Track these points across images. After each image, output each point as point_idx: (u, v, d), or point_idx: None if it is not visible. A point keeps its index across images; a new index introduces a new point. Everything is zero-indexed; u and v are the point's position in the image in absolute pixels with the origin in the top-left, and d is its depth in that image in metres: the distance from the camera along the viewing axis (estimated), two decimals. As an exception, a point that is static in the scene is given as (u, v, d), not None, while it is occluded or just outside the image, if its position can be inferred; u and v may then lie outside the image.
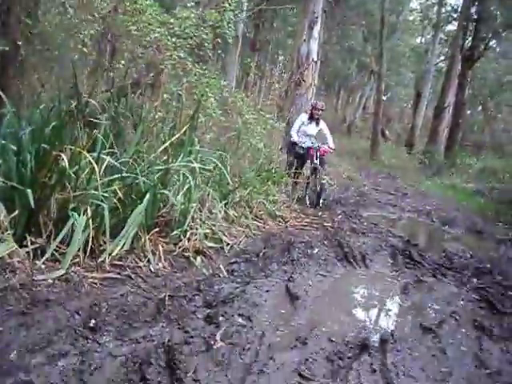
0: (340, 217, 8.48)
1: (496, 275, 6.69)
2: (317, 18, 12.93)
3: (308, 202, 9.25)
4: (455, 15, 24.52)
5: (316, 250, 6.25)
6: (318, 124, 9.57)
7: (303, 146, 9.41)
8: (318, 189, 9.17)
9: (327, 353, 3.66)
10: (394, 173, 17.96)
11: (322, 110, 9.56)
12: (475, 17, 20.88)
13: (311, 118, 9.51)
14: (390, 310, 5.08)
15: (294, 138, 9.38)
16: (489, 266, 7.11)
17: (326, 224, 7.57)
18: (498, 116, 31.10)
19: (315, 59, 13.06)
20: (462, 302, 5.43)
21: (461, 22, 21.95)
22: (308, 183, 9.55)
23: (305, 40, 12.91)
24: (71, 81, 5.81)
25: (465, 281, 6.21)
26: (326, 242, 6.66)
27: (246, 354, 3.45)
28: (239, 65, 19.98)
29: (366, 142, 24.47)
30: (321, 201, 9.18)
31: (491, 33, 20.47)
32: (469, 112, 29.01)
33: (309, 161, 9.53)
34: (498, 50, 26.34)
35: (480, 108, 32.44)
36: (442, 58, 30.20)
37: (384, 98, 28.52)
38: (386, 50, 22.33)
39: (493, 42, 22.45)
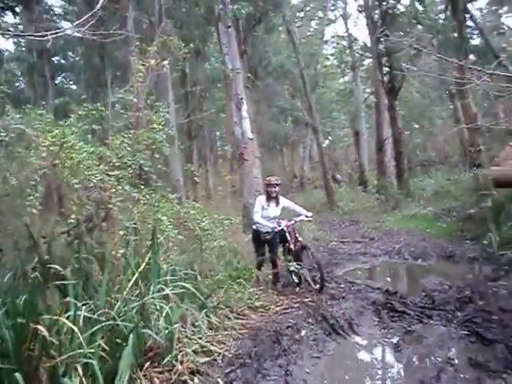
0: (317, 286, 8.63)
1: (477, 301, 6.97)
2: (241, 98, 13.43)
3: (312, 284, 8.37)
4: (368, 54, 25.74)
5: (303, 332, 6.36)
6: (278, 203, 8.58)
7: (268, 229, 8.35)
8: (316, 266, 8.34)
9: None
10: (355, 217, 18.36)
11: (278, 185, 8.51)
12: (385, 51, 21.89)
13: (269, 198, 8.50)
14: (388, 376, 5.22)
15: (262, 222, 8.37)
16: (468, 292, 7.39)
17: (305, 300, 7.69)
18: (435, 131, 32.22)
19: (251, 137, 13.47)
20: (453, 343, 5.63)
21: (374, 59, 23.06)
22: (289, 269, 8.47)
23: (236, 122, 13.35)
24: (27, 240, 5.97)
25: (450, 317, 6.45)
26: (310, 320, 6.75)
27: None
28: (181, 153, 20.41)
29: (321, 192, 24.90)
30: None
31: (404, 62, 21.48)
32: (407, 133, 29.97)
33: (287, 244, 8.63)
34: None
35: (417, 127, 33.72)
36: (367, 94, 31.37)
37: (325, 144, 29.32)
38: (313, 101, 23.12)
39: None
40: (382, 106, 22.84)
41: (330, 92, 33.39)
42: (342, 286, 8.59)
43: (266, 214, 8.49)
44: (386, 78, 21.97)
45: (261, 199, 8.61)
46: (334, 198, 21.70)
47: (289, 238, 8.60)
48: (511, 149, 7.88)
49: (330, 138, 39.05)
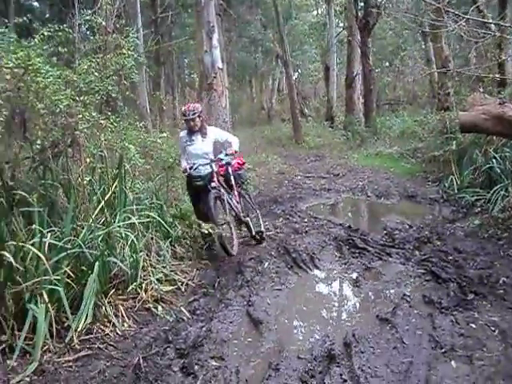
0: (281, 219, 8.77)
1: (435, 241, 7.19)
2: (213, 26, 13.06)
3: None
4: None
5: (266, 263, 6.51)
6: (204, 135, 6.87)
7: (200, 173, 6.73)
8: (244, 217, 7.32)
9: (299, 373, 3.92)
10: (321, 153, 18.43)
11: (199, 116, 6.75)
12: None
13: (190, 131, 6.85)
14: (346, 310, 5.43)
15: (182, 164, 6.95)
16: (427, 233, 7.60)
17: (269, 233, 7.82)
18: (405, 71, 32.12)
19: (220, 66, 13.22)
20: (410, 281, 5.84)
21: (350, -7, 22.59)
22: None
23: (206, 51, 13.05)
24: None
25: (409, 256, 6.66)
26: (273, 253, 6.92)
27: (227, 396, 3.68)
28: (148, 79, 19.98)
29: (288, 126, 24.84)
30: (260, 230, 7.48)
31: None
32: (378, 71, 29.84)
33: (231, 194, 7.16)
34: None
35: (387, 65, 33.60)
36: (341, 29, 30.86)
37: (294, 76, 29.07)
38: (285, 33, 22.72)
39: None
40: (355, 41, 22.55)
41: (302, 24, 32.68)
42: (305, 220, 8.74)
43: (191, 151, 6.87)
44: (360, 14, 21.59)
45: (181, 135, 7.05)
46: (300, 133, 21.66)
47: (233, 181, 7.21)
48: (479, 95, 7.93)
49: (299, 71, 38.69)
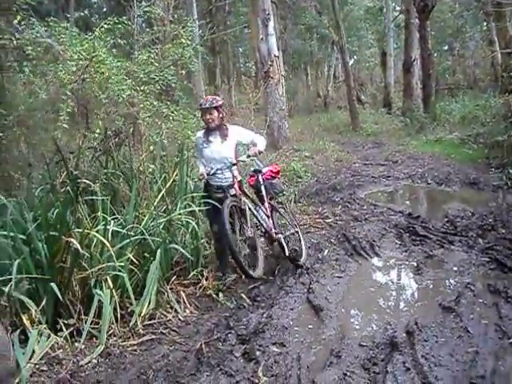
0: (339, 207, 8.70)
1: (499, 229, 6.97)
2: (268, 14, 13.09)
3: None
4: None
5: (325, 251, 6.50)
6: (225, 135, 5.63)
7: (221, 183, 5.63)
8: (276, 233, 5.90)
9: (361, 360, 3.90)
10: (379, 140, 18.13)
11: (217, 108, 5.53)
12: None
13: (208, 130, 5.65)
14: (408, 298, 5.34)
15: (200, 169, 5.74)
16: (491, 220, 7.37)
17: (328, 220, 7.79)
18: (466, 54, 31.23)
19: (277, 54, 13.23)
20: (473, 269, 5.69)
21: (408, -25, 22.03)
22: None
23: (262, 38, 13.07)
24: (56, 155, 6.07)
25: (472, 244, 6.48)
26: (332, 240, 6.90)
27: (289, 382, 3.69)
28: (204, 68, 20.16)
29: (344, 113, 24.61)
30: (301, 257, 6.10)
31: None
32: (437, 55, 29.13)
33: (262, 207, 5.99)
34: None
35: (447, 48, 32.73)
36: (398, 13, 30.22)
37: (350, 63, 28.69)
38: (341, 19, 22.42)
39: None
40: (413, 25, 22.02)
41: (358, 9, 32.17)
42: (364, 208, 8.65)
43: (208, 155, 5.67)
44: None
45: (198, 135, 5.87)
46: (357, 120, 21.38)
47: (264, 192, 6.00)
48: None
49: (355, 57, 38.12)
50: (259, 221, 5.92)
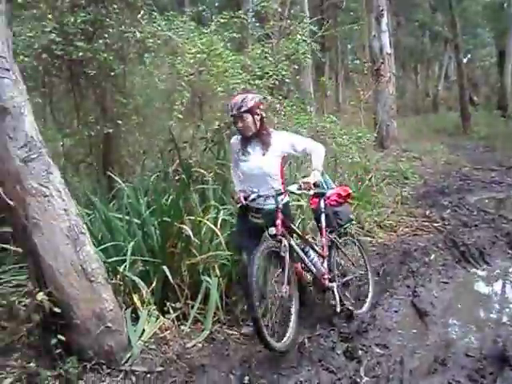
0: (448, 211, 8.42)
1: None
2: (382, 11, 12.87)
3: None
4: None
5: (432, 255, 6.32)
6: (267, 145, 4.24)
7: (262, 206, 4.26)
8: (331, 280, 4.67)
9: (468, 371, 3.76)
10: (491, 144, 17.28)
11: (252, 112, 4.13)
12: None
13: (245, 138, 4.30)
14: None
15: (237, 188, 4.51)
16: None
17: (435, 224, 7.58)
18: None
19: (389, 52, 12.99)
20: None
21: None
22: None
23: (374, 35, 12.87)
24: (169, 144, 6.33)
25: None
26: (440, 245, 6.71)
27: (392, 385, 3.64)
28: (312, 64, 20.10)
29: (454, 114, 23.74)
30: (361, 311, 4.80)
31: None
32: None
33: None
34: None
35: None
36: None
37: (464, 61, 27.56)
38: (457, 14, 21.58)
39: None
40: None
41: (476, 5, 30.80)
42: (474, 213, 8.35)
43: (245, 171, 4.36)
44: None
45: (233, 141, 4.53)
46: (469, 122, 20.56)
47: (323, 222, 4.74)
48: None
49: (469, 56, 36.64)
50: (306, 265, 4.54)
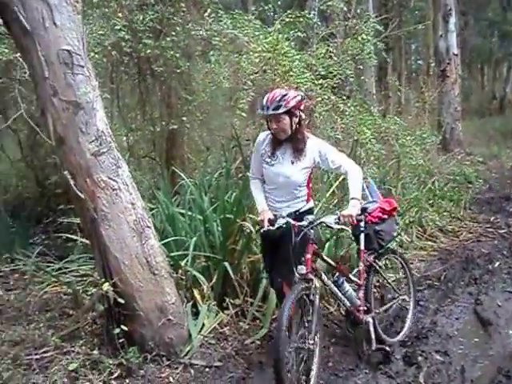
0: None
1: None
2: (450, 9, 12.57)
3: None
4: None
5: (497, 263, 6.14)
6: (299, 153, 3.66)
7: (283, 221, 3.59)
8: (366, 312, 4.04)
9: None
10: None
11: (290, 113, 3.52)
12: None
13: (276, 142, 3.71)
14: None
15: (258, 203, 3.92)
16: None
17: (500, 231, 7.36)
18: None
19: (455, 52, 12.68)
20: None
21: None
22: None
23: (441, 35, 12.60)
24: (232, 141, 6.40)
25: None
26: (505, 252, 6.51)
27: (452, 394, 3.57)
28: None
29: (524, 118, 22.95)
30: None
31: None
32: None
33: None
34: None
35: None
36: None
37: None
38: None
39: None
40: None
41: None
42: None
43: (270, 175, 3.82)
44: None
45: (260, 138, 3.91)
46: (540, 126, 19.82)
47: (362, 244, 4.06)
48: None
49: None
50: (339, 299, 3.95)
